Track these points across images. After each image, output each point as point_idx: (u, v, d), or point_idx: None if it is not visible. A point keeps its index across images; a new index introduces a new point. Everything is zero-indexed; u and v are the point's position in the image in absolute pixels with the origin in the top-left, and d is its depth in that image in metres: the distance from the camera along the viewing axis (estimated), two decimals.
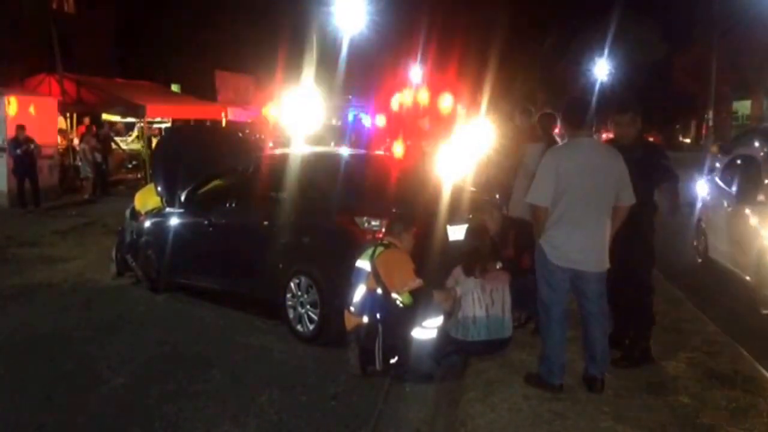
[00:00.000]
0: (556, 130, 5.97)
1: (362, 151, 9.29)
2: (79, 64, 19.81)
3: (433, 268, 5.04)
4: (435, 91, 13.07)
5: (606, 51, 35.27)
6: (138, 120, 18.94)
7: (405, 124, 12.72)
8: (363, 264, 4.79)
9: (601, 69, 37.53)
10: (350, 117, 19.82)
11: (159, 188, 7.21)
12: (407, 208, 5.37)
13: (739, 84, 32.46)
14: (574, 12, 38.77)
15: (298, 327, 5.63)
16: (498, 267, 5.06)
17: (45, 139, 14.66)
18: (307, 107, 13.39)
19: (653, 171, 4.48)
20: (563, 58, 40.60)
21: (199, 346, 5.56)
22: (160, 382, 4.73)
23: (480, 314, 4.76)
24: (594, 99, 4.94)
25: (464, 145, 8.47)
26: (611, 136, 4.92)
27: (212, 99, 24.73)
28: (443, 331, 4.76)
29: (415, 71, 20.66)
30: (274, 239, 5.94)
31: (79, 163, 16.03)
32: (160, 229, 7.27)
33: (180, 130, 15.85)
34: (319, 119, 14.48)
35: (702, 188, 8.85)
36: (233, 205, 6.59)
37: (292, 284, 5.69)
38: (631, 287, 4.54)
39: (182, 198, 6.99)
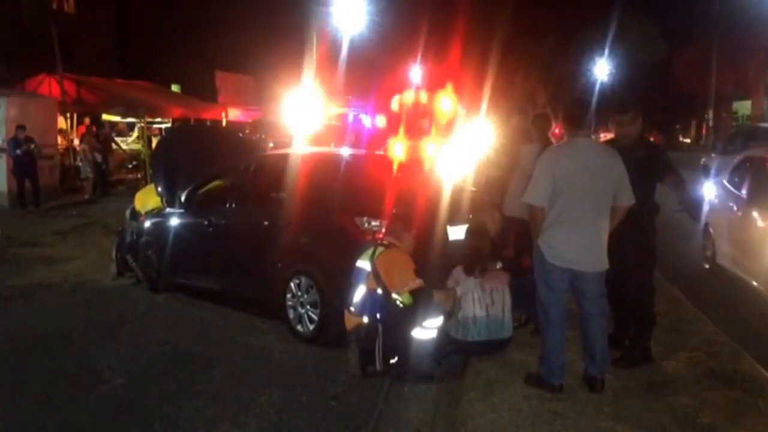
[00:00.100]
0: (556, 131, 5.97)
1: (362, 152, 9.28)
2: (79, 64, 19.85)
3: (433, 268, 5.03)
4: (435, 92, 13.05)
5: (606, 51, 35.26)
6: (138, 120, 18.94)
7: (405, 125, 12.70)
8: (363, 264, 4.79)
9: (602, 69, 37.51)
10: (350, 117, 19.80)
11: (159, 188, 7.21)
12: (407, 208, 5.36)
13: (739, 84, 32.46)
14: (575, 12, 38.77)
15: (298, 327, 5.63)
16: (498, 267, 5.05)
17: (45, 140, 14.65)
18: (307, 107, 13.38)
19: (654, 171, 4.48)
20: (563, 58, 40.55)
21: (199, 346, 5.55)
22: (160, 382, 4.73)
23: (480, 314, 4.75)
24: (594, 99, 4.95)
25: (464, 146, 8.46)
26: (610, 136, 4.92)
27: (212, 99, 24.76)
28: (443, 331, 4.75)
29: (415, 71, 20.63)
30: (274, 239, 5.93)
31: (80, 164, 16.01)
32: (160, 229, 7.27)
33: (180, 130, 15.79)
34: (320, 119, 14.47)
35: (709, 191, 8.41)
36: (233, 205, 6.59)
37: (292, 284, 5.70)
38: (631, 287, 4.54)
39: (182, 198, 6.99)
